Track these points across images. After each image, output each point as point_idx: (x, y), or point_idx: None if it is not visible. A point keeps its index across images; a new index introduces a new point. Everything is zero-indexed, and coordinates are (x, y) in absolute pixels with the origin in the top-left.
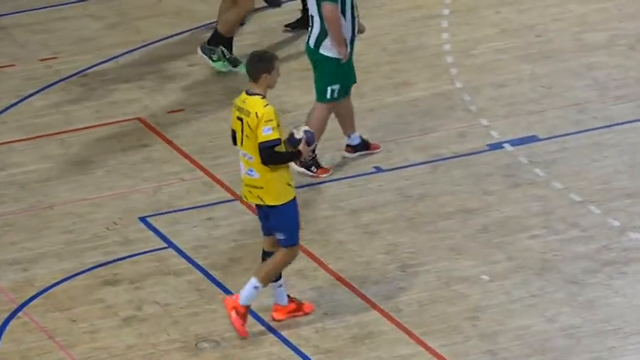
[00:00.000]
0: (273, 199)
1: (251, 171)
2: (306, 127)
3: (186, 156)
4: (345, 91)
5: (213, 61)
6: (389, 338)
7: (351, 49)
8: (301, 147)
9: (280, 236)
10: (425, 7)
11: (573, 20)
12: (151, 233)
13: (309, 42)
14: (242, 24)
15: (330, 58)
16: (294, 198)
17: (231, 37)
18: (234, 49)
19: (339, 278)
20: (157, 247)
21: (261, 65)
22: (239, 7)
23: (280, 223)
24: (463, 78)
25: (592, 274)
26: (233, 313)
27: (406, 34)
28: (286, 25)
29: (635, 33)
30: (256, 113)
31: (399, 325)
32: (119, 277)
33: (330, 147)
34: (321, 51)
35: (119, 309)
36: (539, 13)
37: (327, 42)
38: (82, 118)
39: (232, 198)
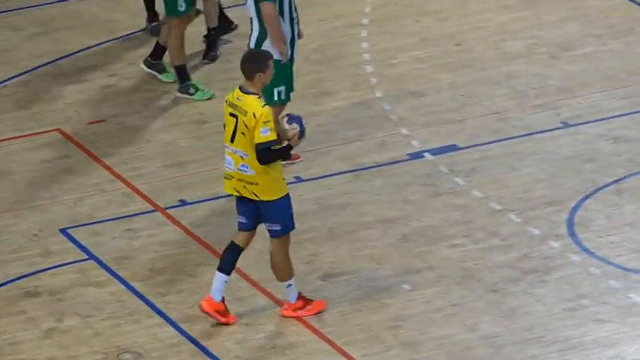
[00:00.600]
0: (269, 194)
1: (245, 167)
2: (296, 117)
3: (106, 167)
4: (288, 96)
5: (192, 94)
6: (311, 348)
7: (292, 52)
8: (293, 141)
9: (275, 227)
10: (345, 17)
11: (493, 29)
12: (71, 245)
13: (250, 43)
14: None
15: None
16: (287, 193)
17: (184, 65)
18: (165, 61)
19: (260, 289)
20: (77, 259)
21: (256, 64)
22: (170, 34)
23: (276, 216)
24: (383, 87)
25: (513, 283)
26: (299, 312)
27: (327, 43)
28: (205, 36)
29: (554, 41)
30: (254, 114)
31: (320, 335)
32: (40, 288)
33: None
34: None
35: (40, 321)
36: (459, 22)
37: (267, 43)
38: (1, 130)
39: (152, 209)
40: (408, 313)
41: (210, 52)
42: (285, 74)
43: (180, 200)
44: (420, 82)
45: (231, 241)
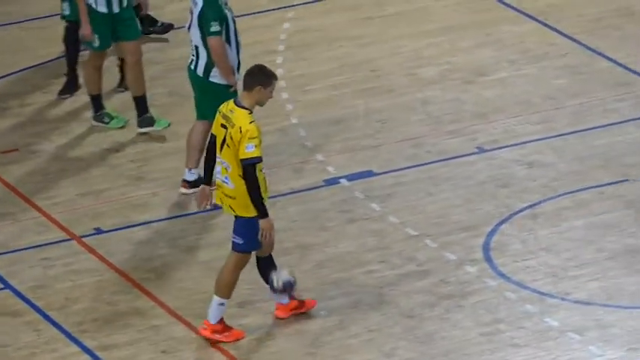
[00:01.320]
0: (243, 211)
1: (227, 179)
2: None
3: (20, 196)
4: None
5: (107, 123)
6: None
7: (238, 73)
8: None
9: (238, 240)
10: (260, 43)
11: (407, 55)
12: None
13: (197, 71)
14: None
15: (221, 85)
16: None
17: (98, 94)
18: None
19: (176, 316)
20: None
21: (260, 77)
22: (86, 64)
23: (243, 230)
24: (299, 114)
25: (429, 308)
26: (216, 336)
27: (242, 70)
28: (59, 93)
29: (467, 67)
30: (240, 128)
31: None
32: None
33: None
34: (212, 79)
35: None
36: (375, 48)
37: (215, 71)
38: None
39: (68, 237)
40: (324, 340)
41: (124, 81)
42: (231, 97)
43: (96, 228)
44: (336, 108)
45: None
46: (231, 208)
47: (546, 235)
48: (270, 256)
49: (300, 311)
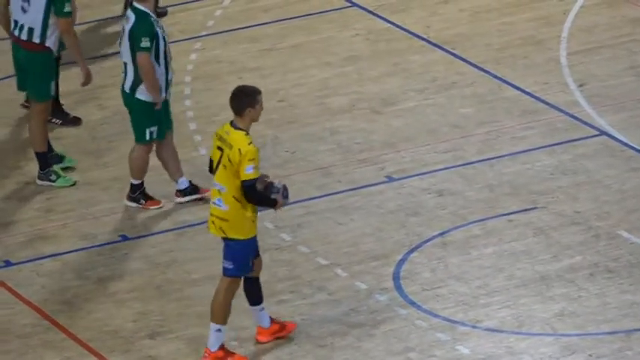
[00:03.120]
0: (236, 233)
1: (219, 201)
2: (282, 183)
3: None
4: (162, 134)
5: (54, 181)
6: None
7: (167, 92)
8: (277, 196)
9: (229, 265)
10: None
11: (315, 85)
12: None
13: (125, 87)
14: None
15: (147, 102)
16: (255, 236)
17: (45, 152)
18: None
19: (87, 348)
20: None
21: (246, 100)
22: (33, 120)
23: (234, 254)
24: (207, 144)
25: (341, 337)
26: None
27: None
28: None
29: (376, 97)
30: (239, 150)
31: None
32: None
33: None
34: (137, 96)
35: None
36: (281, 78)
37: (142, 87)
38: None
39: None
40: None
41: (68, 116)
42: (158, 115)
43: (5, 261)
44: None
45: (244, 277)
46: (222, 230)
47: (456, 264)
48: (257, 278)
49: (281, 335)
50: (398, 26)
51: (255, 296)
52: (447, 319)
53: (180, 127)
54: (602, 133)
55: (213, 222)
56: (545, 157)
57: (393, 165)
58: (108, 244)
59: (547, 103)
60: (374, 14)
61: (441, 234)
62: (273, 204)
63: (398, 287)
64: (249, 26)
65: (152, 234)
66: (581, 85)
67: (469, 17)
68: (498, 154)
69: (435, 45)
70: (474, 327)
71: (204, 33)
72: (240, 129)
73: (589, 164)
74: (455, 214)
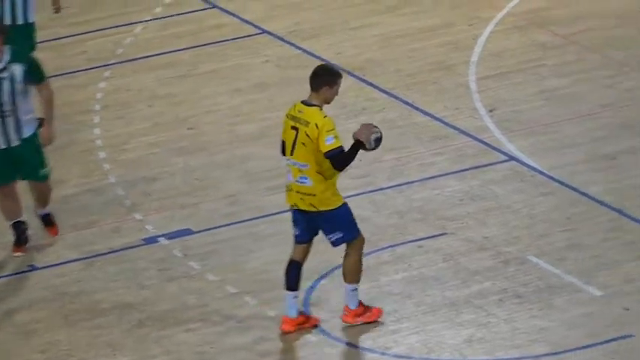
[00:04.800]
0: (326, 205)
1: (304, 178)
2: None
3: None
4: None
5: None
6: None
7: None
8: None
9: (338, 235)
10: (76, 104)
11: (225, 112)
12: None
13: None
14: None
15: None
16: (345, 203)
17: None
18: None
19: None
20: None
21: (326, 77)
22: None
23: (336, 224)
24: (117, 173)
25: None
26: (358, 319)
27: (57, 131)
28: None
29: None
30: (316, 124)
31: None
32: None
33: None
34: None
35: None
36: (192, 106)
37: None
38: None
39: None
40: None
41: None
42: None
43: None
44: (154, 166)
45: (290, 259)
46: (313, 205)
47: (366, 290)
48: (302, 264)
49: (305, 326)
50: (309, 52)
51: (294, 281)
52: (356, 345)
53: (89, 156)
54: (512, 158)
55: (302, 199)
56: (455, 182)
57: None
58: (17, 274)
59: (457, 129)
60: (284, 41)
61: None
62: (360, 148)
63: (307, 314)
64: (160, 54)
65: (61, 264)
66: (490, 111)
67: (379, 43)
68: (408, 180)
69: (345, 71)
70: (383, 354)
71: (113, 61)
72: (314, 105)
73: (498, 190)
74: (366, 240)
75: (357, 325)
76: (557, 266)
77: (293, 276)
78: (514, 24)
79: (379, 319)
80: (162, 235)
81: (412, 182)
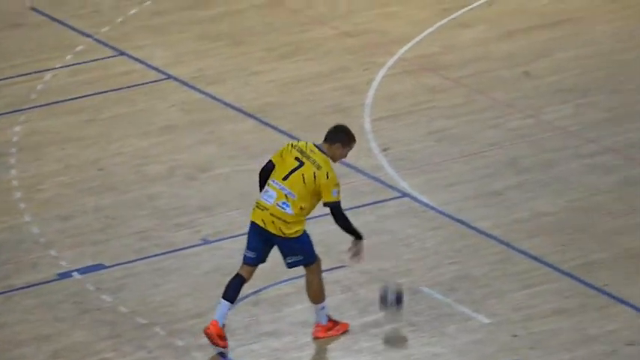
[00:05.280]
0: (293, 232)
1: (286, 205)
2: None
3: None
4: None
5: None
6: None
7: None
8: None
9: (297, 258)
10: None
11: (134, 154)
12: None
13: None
14: None
15: None
16: (305, 230)
17: None
18: None
19: None
20: None
21: (344, 137)
22: None
23: (297, 249)
24: (32, 212)
25: None
26: (329, 333)
27: None
28: None
29: (191, 164)
30: (327, 173)
31: None
32: None
33: None
34: None
35: None
36: (102, 147)
37: None
38: None
39: None
40: None
41: None
42: None
43: None
44: (67, 205)
45: (237, 273)
46: (281, 230)
47: (269, 320)
48: (245, 281)
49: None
50: (212, 97)
51: (233, 294)
52: None
53: (5, 196)
54: (405, 195)
55: (273, 221)
56: (353, 218)
57: (208, 228)
58: None
59: (353, 167)
60: (189, 86)
61: (255, 292)
62: (357, 236)
63: (214, 344)
64: (71, 99)
65: None
66: (384, 150)
67: (279, 88)
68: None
69: (247, 114)
70: None
71: (28, 106)
72: (326, 154)
73: (392, 225)
74: (268, 274)
75: (327, 337)
76: (448, 296)
77: (234, 289)
78: (405, 68)
79: (348, 330)
80: (76, 270)
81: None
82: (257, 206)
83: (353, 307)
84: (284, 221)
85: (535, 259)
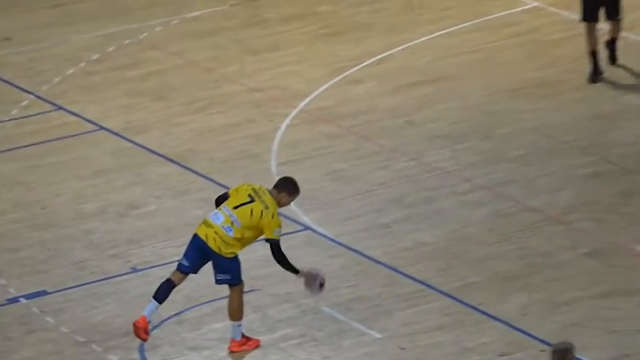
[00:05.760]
0: (228, 252)
1: (230, 229)
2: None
3: None
4: None
5: None
6: None
7: None
8: (309, 279)
9: (226, 276)
10: None
11: (72, 194)
12: None
13: None
14: None
15: None
16: (238, 254)
17: None
18: None
19: None
20: None
21: (290, 186)
22: None
23: (227, 268)
24: None
25: None
26: (243, 347)
27: None
28: None
29: (122, 202)
30: (273, 215)
31: None
32: None
33: None
34: None
35: None
36: (44, 189)
37: None
38: None
39: None
40: None
41: None
42: None
43: None
44: (15, 239)
45: (169, 278)
46: (220, 248)
47: (191, 337)
48: (175, 286)
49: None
50: (139, 145)
51: (162, 296)
52: None
53: None
54: (307, 228)
55: (214, 239)
56: (261, 249)
57: (137, 258)
58: None
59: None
60: (119, 135)
61: (177, 314)
62: (294, 271)
63: (143, 358)
64: (18, 147)
65: None
66: None
67: (197, 136)
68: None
69: (170, 159)
70: None
71: None
72: (275, 198)
73: (296, 253)
74: (189, 297)
75: (242, 352)
76: (345, 314)
77: (164, 292)
78: (305, 119)
79: (259, 345)
80: (23, 296)
81: None
82: (204, 222)
83: (262, 325)
84: (224, 241)
85: (419, 281)
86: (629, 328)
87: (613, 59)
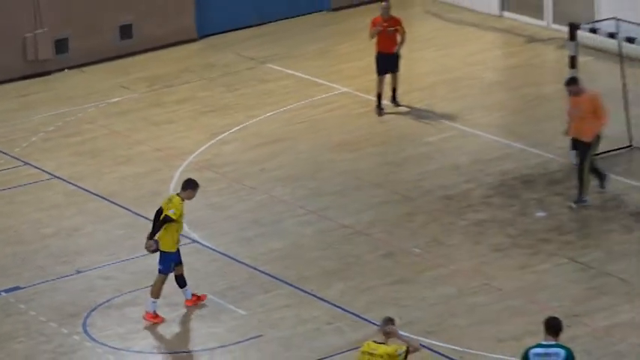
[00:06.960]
0: (164, 247)
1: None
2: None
3: None
4: None
5: None
6: None
7: None
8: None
9: (160, 266)
10: None
11: (35, 221)
12: None
13: None
14: None
15: None
16: (174, 252)
17: None
18: None
19: None
20: None
21: (193, 185)
22: None
23: (162, 260)
24: None
25: None
26: (153, 320)
27: None
28: None
29: (69, 226)
30: (171, 204)
31: None
32: None
33: None
34: None
35: None
36: (15, 219)
37: None
38: None
39: None
40: None
41: None
42: None
43: None
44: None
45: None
46: (158, 243)
47: (117, 315)
48: (181, 275)
49: (200, 301)
50: (83, 188)
51: (182, 284)
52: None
53: None
54: (194, 241)
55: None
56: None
57: (80, 263)
58: None
59: None
60: (67, 181)
61: (107, 300)
62: (151, 236)
63: (85, 331)
64: None
65: None
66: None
67: (120, 181)
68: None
69: (101, 197)
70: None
71: None
72: (181, 197)
73: (188, 260)
74: (117, 290)
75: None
76: (221, 299)
77: (179, 282)
78: (193, 167)
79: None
80: (3, 290)
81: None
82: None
83: (167, 306)
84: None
85: (271, 276)
86: (412, 304)
87: (395, 102)
